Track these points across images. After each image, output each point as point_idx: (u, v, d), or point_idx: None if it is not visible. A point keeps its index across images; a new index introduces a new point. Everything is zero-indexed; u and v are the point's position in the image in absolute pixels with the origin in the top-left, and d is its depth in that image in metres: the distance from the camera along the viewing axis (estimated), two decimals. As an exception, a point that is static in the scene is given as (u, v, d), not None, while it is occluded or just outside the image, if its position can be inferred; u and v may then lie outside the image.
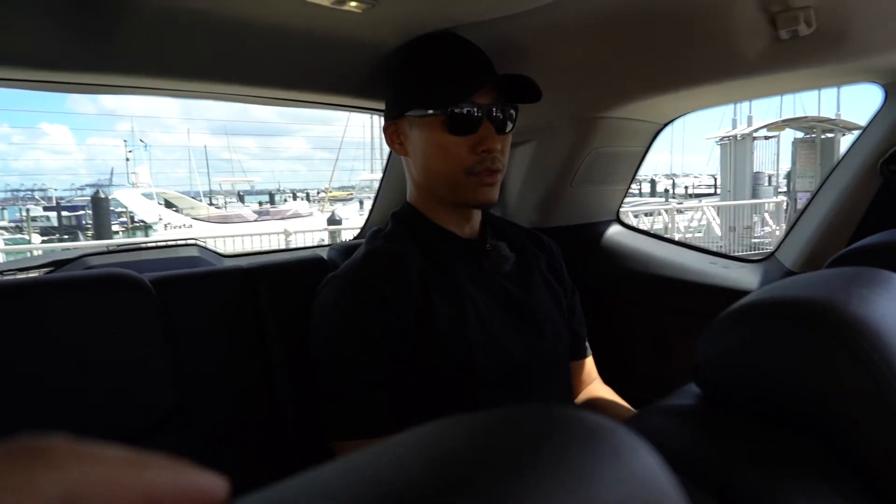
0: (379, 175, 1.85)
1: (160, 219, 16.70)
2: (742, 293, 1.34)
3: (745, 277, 1.37)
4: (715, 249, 1.54)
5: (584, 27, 1.09)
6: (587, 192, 1.50)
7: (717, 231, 10.55)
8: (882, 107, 1.14)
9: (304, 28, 0.97)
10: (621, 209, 1.67)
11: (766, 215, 11.20)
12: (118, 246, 1.44)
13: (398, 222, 1.04)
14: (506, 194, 1.52)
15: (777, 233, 10.81)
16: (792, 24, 0.93)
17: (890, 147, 1.11)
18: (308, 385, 1.02)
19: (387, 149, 1.29)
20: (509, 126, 0.99)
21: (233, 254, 1.58)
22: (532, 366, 0.98)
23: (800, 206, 11.61)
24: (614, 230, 1.61)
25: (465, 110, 0.93)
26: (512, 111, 0.98)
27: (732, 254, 1.48)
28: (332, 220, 11.35)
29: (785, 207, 11.52)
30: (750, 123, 12.50)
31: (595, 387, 1.20)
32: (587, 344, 1.20)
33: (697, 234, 10.53)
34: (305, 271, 1.15)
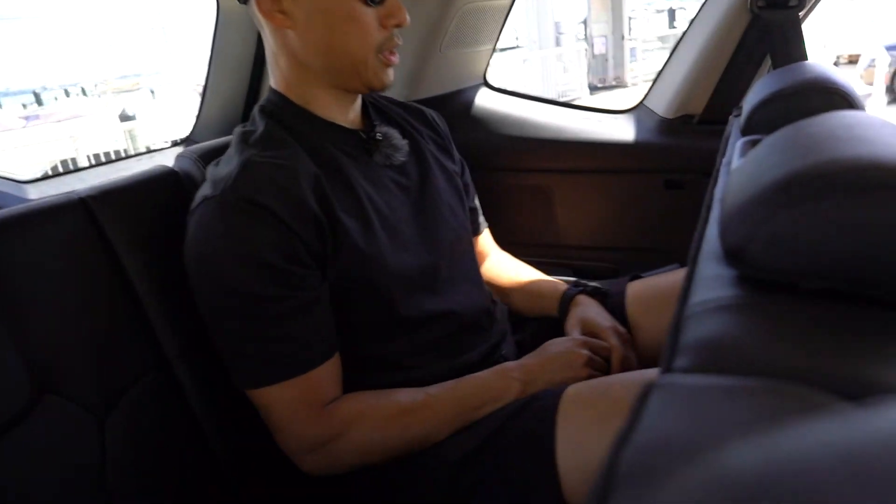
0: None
1: None
2: (621, 145, 1.37)
3: (621, 128, 1.37)
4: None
5: None
6: (456, 55, 1.38)
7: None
8: (749, -60, 1.13)
9: None
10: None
11: (568, 63, 11.81)
12: None
13: (271, 120, 0.84)
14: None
15: (580, 78, 11.50)
16: None
17: (758, -19, 1.11)
18: (189, 319, 0.86)
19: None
20: None
21: (36, 178, 1.26)
22: (441, 260, 0.92)
23: (596, 51, 12.37)
24: (484, 94, 1.52)
25: None
26: None
27: (601, 107, 1.48)
28: (124, 117, 9.91)
29: (584, 54, 12.20)
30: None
31: (497, 257, 1.19)
32: (482, 219, 1.16)
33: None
34: (157, 190, 0.93)
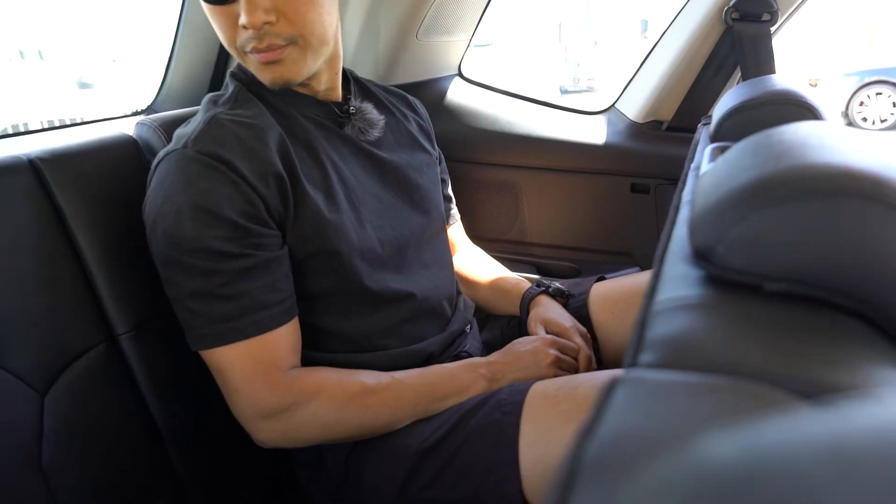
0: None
1: None
2: (591, 146, 1.38)
3: (591, 130, 1.38)
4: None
5: None
6: (432, 44, 1.36)
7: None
8: (728, -49, 1.14)
9: None
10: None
11: (540, 63, 11.87)
12: None
13: (240, 83, 0.83)
14: (342, 47, 1.32)
15: (551, 80, 11.60)
16: None
17: (734, -6, 1.13)
18: (141, 293, 0.84)
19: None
20: None
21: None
22: (412, 241, 0.91)
23: (569, 54, 12.49)
24: (458, 85, 1.51)
25: None
26: None
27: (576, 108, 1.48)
28: (83, 84, 9.58)
29: (557, 56, 12.30)
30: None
31: (467, 251, 1.19)
32: (455, 210, 1.16)
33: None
34: (114, 157, 0.89)
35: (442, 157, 1.10)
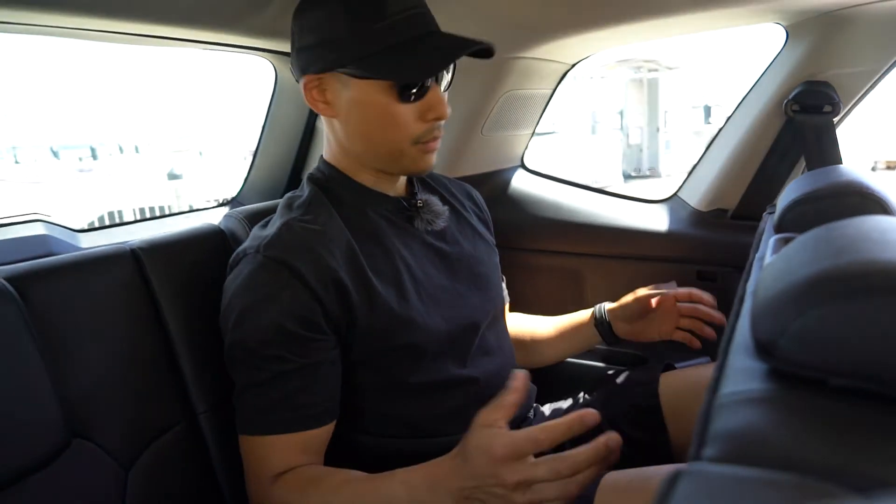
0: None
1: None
2: (654, 234, 1.39)
3: (655, 218, 1.39)
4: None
5: None
6: (496, 138, 1.44)
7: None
8: (784, 47, 1.18)
9: None
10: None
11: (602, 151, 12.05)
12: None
13: (315, 187, 0.89)
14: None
15: (614, 167, 11.69)
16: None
17: (793, 87, 1.15)
18: (220, 375, 0.88)
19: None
20: (448, 80, 0.87)
21: (88, 228, 1.32)
22: (477, 327, 0.93)
23: (631, 141, 12.63)
24: (521, 176, 1.57)
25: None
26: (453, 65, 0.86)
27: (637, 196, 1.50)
28: (172, 175, 10.43)
29: (619, 143, 12.46)
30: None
31: (513, 316, 1.21)
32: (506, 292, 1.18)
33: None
34: (204, 246, 0.97)
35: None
